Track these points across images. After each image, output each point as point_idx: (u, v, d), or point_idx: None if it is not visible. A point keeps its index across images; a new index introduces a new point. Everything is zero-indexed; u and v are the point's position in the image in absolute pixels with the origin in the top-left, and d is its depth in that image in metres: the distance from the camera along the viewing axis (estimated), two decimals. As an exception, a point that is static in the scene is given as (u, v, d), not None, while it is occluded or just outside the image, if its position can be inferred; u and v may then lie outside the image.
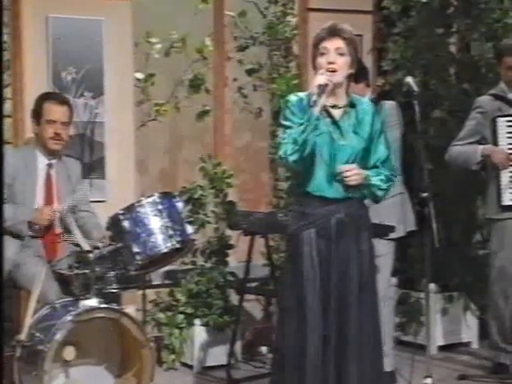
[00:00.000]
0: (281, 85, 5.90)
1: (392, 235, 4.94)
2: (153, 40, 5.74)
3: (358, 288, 3.81)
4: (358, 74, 5.06)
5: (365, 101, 4.01)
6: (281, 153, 3.76)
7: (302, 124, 3.74)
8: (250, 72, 6.04)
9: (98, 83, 5.47)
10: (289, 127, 3.78)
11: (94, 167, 5.45)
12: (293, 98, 3.87)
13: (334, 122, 3.86)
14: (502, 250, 5.22)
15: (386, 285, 5.10)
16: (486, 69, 6.04)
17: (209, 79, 5.93)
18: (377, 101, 5.14)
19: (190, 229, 4.51)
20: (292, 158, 3.73)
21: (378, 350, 3.88)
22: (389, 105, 5.12)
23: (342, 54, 3.82)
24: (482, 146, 5.19)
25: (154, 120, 5.84)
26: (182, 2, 5.91)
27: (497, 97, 5.22)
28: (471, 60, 6.10)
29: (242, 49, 6.02)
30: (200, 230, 5.61)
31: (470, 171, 5.45)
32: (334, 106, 3.87)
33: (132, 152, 5.64)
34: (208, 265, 5.67)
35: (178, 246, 4.42)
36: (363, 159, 3.87)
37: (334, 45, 3.81)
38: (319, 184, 3.82)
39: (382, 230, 4.92)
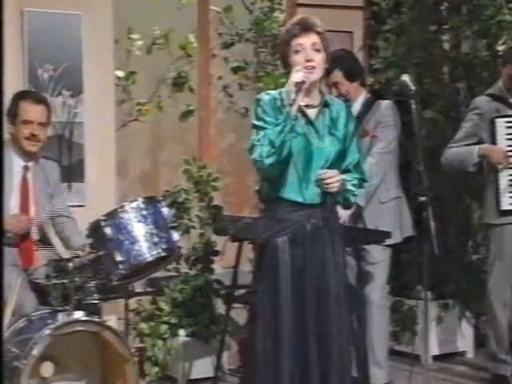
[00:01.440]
0: (268, 83, 5.67)
1: (388, 241, 4.74)
2: (134, 36, 5.53)
3: (336, 297, 3.63)
4: (353, 73, 4.90)
5: (337, 100, 3.83)
6: (255, 155, 3.54)
7: (278, 124, 3.53)
8: (235, 70, 5.84)
9: (76, 81, 5.23)
10: (262, 128, 3.57)
11: (72, 170, 5.21)
12: (265, 96, 3.67)
13: (310, 123, 3.66)
14: (500, 256, 5.03)
15: (381, 293, 4.92)
16: (480, 67, 5.87)
17: (193, 77, 5.74)
18: (372, 100, 4.96)
19: (176, 236, 4.28)
20: (268, 161, 3.51)
21: (347, 369, 3.71)
22: (385, 104, 4.93)
23: (318, 50, 3.64)
24: (478, 146, 5.00)
25: (135, 120, 5.61)
26: (165, -4, 5.72)
27: (494, 97, 5.03)
28: (465, 58, 5.92)
29: (227, 46, 5.81)
30: (184, 236, 5.40)
31: (465, 174, 5.29)
32: (308, 106, 3.67)
33: (113, 154, 5.40)
34: (193, 272, 5.47)
35: (163, 254, 4.20)
36: (338, 162, 3.69)
37: (309, 41, 3.62)
38: (293, 188, 3.62)
39: (378, 237, 4.73)
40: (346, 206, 3.80)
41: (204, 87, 5.84)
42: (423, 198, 4.12)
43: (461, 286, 5.77)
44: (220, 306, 5.37)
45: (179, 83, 5.60)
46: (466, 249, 5.89)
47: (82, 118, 5.26)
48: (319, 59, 3.62)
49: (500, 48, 6.01)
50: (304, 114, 3.66)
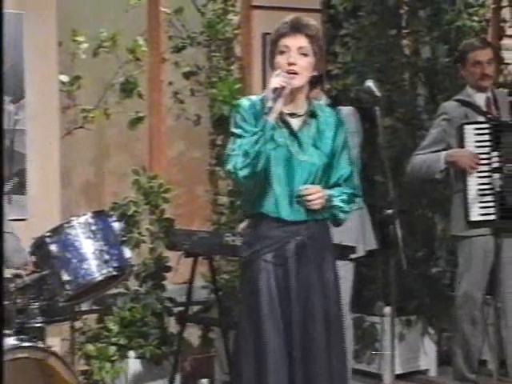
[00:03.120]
0: (222, 90, 5.43)
1: (351, 255, 4.48)
2: (79, 38, 5.22)
3: (323, 320, 3.37)
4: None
5: (327, 110, 3.55)
6: (229, 166, 3.29)
7: (254, 134, 3.27)
8: (187, 75, 5.56)
9: (17, 86, 4.92)
10: (240, 136, 3.31)
11: (13, 181, 4.86)
12: (245, 102, 3.40)
13: (292, 134, 3.40)
14: (469, 270, 4.82)
15: (346, 312, 4.64)
16: (441, 74, 5.68)
17: (142, 83, 5.44)
18: (333, 106, 4.70)
19: (128, 253, 3.99)
20: (242, 173, 3.26)
21: None
22: (347, 110, 4.68)
23: (304, 54, 3.37)
24: (445, 152, 4.79)
25: (80, 128, 5.29)
26: (112, -3, 5.43)
27: (463, 102, 4.82)
28: (426, 64, 5.72)
29: (178, 50, 5.52)
30: (134, 251, 5.10)
31: (427, 184, 5.07)
32: (292, 115, 3.41)
33: (57, 164, 5.09)
34: (143, 289, 5.19)
35: (114, 273, 3.89)
36: (324, 176, 3.43)
37: (296, 43, 3.36)
38: (275, 204, 3.36)
39: (342, 252, 4.44)
40: (335, 223, 3.52)
41: (154, 93, 5.55)
42: (390, 211, 3.89)
43: (424, 301, 5.54)
44: (172, 326, 5.14)
45: (127, 89, 5.31)
46: (429, 262, 5.65)
47: (24, 125, 4.96)
48: (304, 64, 3.37)
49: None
50: (286, 124, 3.40)
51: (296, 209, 3.36)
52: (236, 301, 5.25)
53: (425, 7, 5.78)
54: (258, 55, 5.79)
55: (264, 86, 5.78)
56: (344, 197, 3.45)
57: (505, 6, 6.10)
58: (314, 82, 3.52)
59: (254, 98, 3.45)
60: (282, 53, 3.37)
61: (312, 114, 3.44)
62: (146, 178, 5.25)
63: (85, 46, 5.19)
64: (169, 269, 5.22)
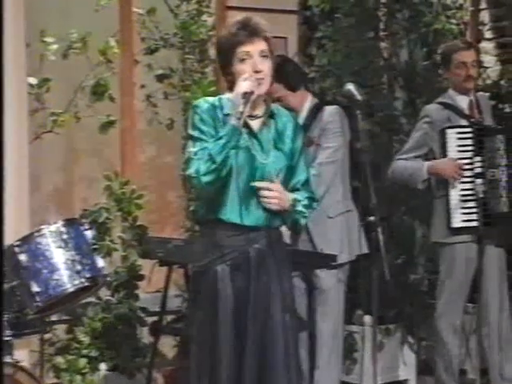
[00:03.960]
0: (196, 93, 5.30)
1: (340, 260, 4.35)
2: (48, 39, 5.08)
3: (282, 330, 3.25)
4: (295, 81, 4.52)
5: (284, 111, 3.44)
6: (191, 171, 3.16)
7: (220, 138, 3.14)
8: (160, 78, 5.44)
9: (-16, 88, 4.71)
10: (199, 139, 3.20)
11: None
12: (202, 103, 3.29)
13: (252, 135, 3.28)
14: (450, 278, 4.74)
15: (339, 328, 4.52)
16: (420, 77, 5.58)
17: (113, 85, 5.31)
18: (320, 106, 4.59)
19: (101, 262, 3.86)
20: (206, 179, 3.14)
21: None
22: (332, 109, 4.54)
23: (265, 57, 3.27)
24: (427, 163, 4.69)
25: (49, 132, 5.14)
26: (82, -3, 5.31)
27: (445, 105, 4.72)
28: (405, 67, 5.62)
29: (151, 51, 5.40)
30: (106, 259, 4.93)
31: (406, 188, 4.99)
32: (251, 116, 3.29)
33: (25, 169, 4.92)
34: (115, 299, 5.04)
35: (87, 283, 3.75)
36: (285, 179, 3.31)
37: (257, 48, 3.26)
38: (233, 209, 3.24)
39: (321, 261, 4.33)
40: (295, 229, 3.42)
41: (126, 96, 5.44)
42: (372, 218, 3.78)
43: (403, 309, 5.42)
44: (145, 337, 5.02)
45: (98, 91, 5.18)
46: (408, 270, 5.54)
47: (-9, 129, 4.76)
48: (267, 68, 3.27)
49: (439, 57, 5.76)
50: (246, 126, 3.28)
51: (255, 214, 3.25)
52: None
53: (403, 9, 5.68)
54: None
55: (239, 88, 5.67)
56: (305, 202, 3.37)
57: (483, 9, 6.03)
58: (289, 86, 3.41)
59: (211, 99, 3.35)
60: (243, 60, 3.25)
61: (271, 115, 3.34)
62: (118, 183, 5.12)
63: (54, 47, 5.06)
64: (142, 277, 5.08)
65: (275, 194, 3.22)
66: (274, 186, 3.24)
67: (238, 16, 5.62)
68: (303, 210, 3.34)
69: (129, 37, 5.40)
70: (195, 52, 5.44)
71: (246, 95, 3.16)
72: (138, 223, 5.13)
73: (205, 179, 3.13)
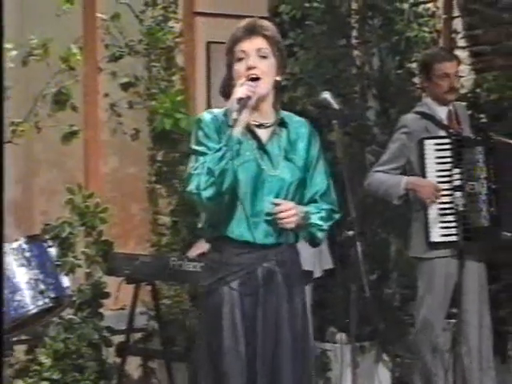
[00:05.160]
0: (163, 102, 5.13)
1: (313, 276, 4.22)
2: (7, 46, 4.81)
3: (291, 354, 3.07)
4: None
5: (297, 119, 3.23)
6: (192, 187, 2.97)
7: (219, 150, 2.96)
8: (124, 86, 5.26)
9: None
10: (203, 154, 3.00)
11: None
12: (206, 116, 3.09)
13: (261, 146, 3.09)
14: (429, 293, 4.58)
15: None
16: (394, 87, 5.44)
17: (76, 94, 5.11)
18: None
19: (66, 281, 3.66)
20: (206, 194, 2.95)
21: None
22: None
23: (264, 57, 3.07)
24: (405, 178, 4.54)
25: (9, 142, 4.91)
26: (42, 1, 5.11)
27: (423, 115, 4.57)
28: (378, 76, 5.47)
29: (115, 59, 5.23)
30: (69, 276, 4.69)
31: (379, 202, 4.89)
32: (259, 126, 3.10)
33: (-16, 182, 4.66)
34: (78, 318, 4.79)
35: (51, 304, 3.54)
36: (297, 193, 3.12)
37: (253, 45, 3.07)
38: (241, 225, 3.05)
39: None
40: (313, 243, 3.22)
41: (89, 105, 5.24)
42: (350, 232, 3.61)
43: (378, 326, 5.26)
44: (111, 357, 4.81)
45: (60, 100, 4.98)
46: (383, 285, 5.39)
47: None
48: (265, 67, 3.06)
49: (412, 66, 5.64)
50: (254, 136, 3.09)
51: (266, 230, 3.06)
52: (180, 329, 4.94)
53: (375, 17, 5.54)
54: (201, 65, 5.55)
55: (209, 97, 5.50)
56: (322, 214, 3.17)
57: (456, 17, 5.91)
58: (279, 89, 3.19)
59: (215, 111, 3.15)
60: (240, 60, 3.08)
61: (282, 124, 3.15)
62: (81, 196, 4.91)
63: (13, 53, 4.84)
64: (107, 295, 4.87)
65: (291, 212, 3.02)
66: (288, 205, 3.04)
67: (207, 22, 5.55)
68: (319, 222, 3.14)
69: (92, 43, 5.23)
70: (161, 59, 5.28)
71: (241, 101, 2.98)
72: (103, 238, 4.93)
73: (205, 194, 2.95)
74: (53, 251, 3.70)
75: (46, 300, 3.58)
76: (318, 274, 4.40)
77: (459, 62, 4.62)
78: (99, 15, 5.22)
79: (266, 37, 3.10)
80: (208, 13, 5.46)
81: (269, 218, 3.03)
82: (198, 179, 2.95)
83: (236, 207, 3.03)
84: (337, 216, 3.24)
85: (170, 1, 5.28)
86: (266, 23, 3.17)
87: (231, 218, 3.04)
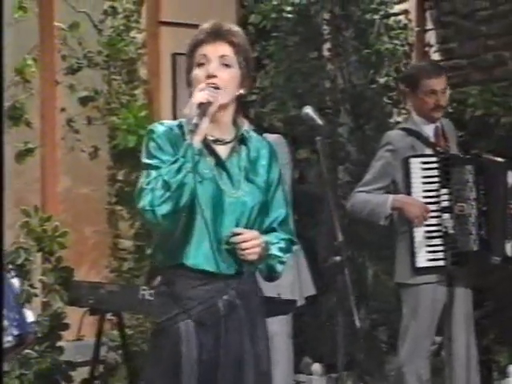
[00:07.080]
0: (125, 117, 4.88)
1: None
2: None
3: None
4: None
5: (257, 136, 2.93)
6: (144, 203, 2.65)
7: (175, 161, 2.66)
8: (83, 101, 5.08)
9: None
10: (156, 167, 2.70)
11: None
12: (159, 127, 2.79)
13: (220, 164, 2.79)
14: (415, 322, 4.29)
15: (289, 377, 4.06)
16: (369, 102, 5.21)
17: (31, 109, 4.91)
18: (259, 134, 4.11)
19: (30, 316, 3.30)
20: (161, 211, 2.64)
21: None
22: (275, 138, 4.06)
23: (227, 65, 2.76)
24: (392, 196, 4.26)
25: (-44, 161, 4.55)
26: (-6, 9, 4.78)
27: (409, 132, 4.31)
28: (352, 90, 5.22)
29: (73, 71, 5.07)
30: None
31: (363, 223, 4.58)
32: (217, 141, 2.80)
33: None
34: (35, 352, 4.50)
35: (14, 342, 3.17)
36: (258, 218, 2.82)
37: (216, 51, 2.75)
38: (198, 254, 2.74)
39: (282, 307, 3.86)
40: (270, 276, 2.91)
41: (45, 121, 5.00)
42: (337, 258, 3.30)
43: (355, 356, 4.98)
44: (72, 395, 4.53)
45: (14, 116, 4.80)
46: (360, 313, 5.11)
47: None
48: (227, 77, 2.74)
49: (381, 80, 5.40)
50: (212, 152, 2.78)
51: (225, 259, 2.75)
52: (144, 360, 4.61)
53: (347, 28, 5.29)
54: (167, 78, 5.29)
55: (174, 112, 5.21)
56: (282, 244, 2.87)
57: (429, 29, 5.69)
58: (241, 103, 2.87)
59: (169, 122, 2.84)
60: (200, 65, 2.75)
61: (241, 141, 2.84)
62: (37, 219, 4.59)
63: (-37, 65, 4.53)
64: (66, 327, 4.57)
65: (255, 242, 2.73)
66: (251, 234, 2.74)
67: (173, 32, 5.26)
68: (279, 254, 2.85)
69: (48, 54, 5.02)
70: (123, 72, 5.11)
71: (202, 106, 2.67)
72: (62, 265, 4.64)
73: (160, 211, 2.64)
74: (16, 282, 3.34)
75: (9, 338, 3.22)
76: (300, 302, 4.11)
77: (447, 76, 4.36)
78: (57, 24, 5.02)
79: (231, 43, 2.77)
80: (173, 22, 5.23)
81: (229, 247, 2.73)
82: (151, 194, 2.64)
83: (193, 231, 2.73)
84: (295, 248, 2.96)
85: (132, 9, 5.07)
86: (234, 28, 2.82)
87: (187, 245, 2.73)
